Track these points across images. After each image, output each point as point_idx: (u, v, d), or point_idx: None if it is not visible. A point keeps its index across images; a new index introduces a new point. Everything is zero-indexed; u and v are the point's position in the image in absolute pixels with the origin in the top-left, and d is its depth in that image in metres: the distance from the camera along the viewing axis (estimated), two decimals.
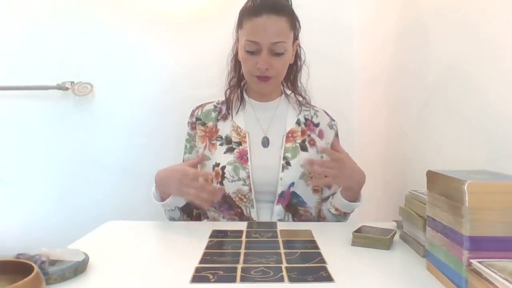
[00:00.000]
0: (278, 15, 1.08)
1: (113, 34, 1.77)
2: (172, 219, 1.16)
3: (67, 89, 1.75)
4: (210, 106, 1.24)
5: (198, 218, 1.24)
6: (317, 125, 1.22)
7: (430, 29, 1.06)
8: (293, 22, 1.13)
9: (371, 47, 1.58)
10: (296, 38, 1.17)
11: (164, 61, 1.78)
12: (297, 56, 1.21)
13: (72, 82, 1.76)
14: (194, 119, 1.23)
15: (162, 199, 1.08)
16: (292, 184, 1.11)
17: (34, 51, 1.76)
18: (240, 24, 1.14)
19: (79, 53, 1.77)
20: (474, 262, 0.56)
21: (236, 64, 1.22)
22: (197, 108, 1.25)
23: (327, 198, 1.19)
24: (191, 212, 1.19)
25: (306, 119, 1.22)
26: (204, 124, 1.21)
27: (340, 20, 1.77)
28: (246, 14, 1.10)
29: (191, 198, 1.00)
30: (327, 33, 1.76)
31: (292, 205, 1.13)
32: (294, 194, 1.12)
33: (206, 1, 1.76)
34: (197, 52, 1.75)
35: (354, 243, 0.86)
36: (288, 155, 1.14)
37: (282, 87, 1.25)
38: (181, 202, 1.10)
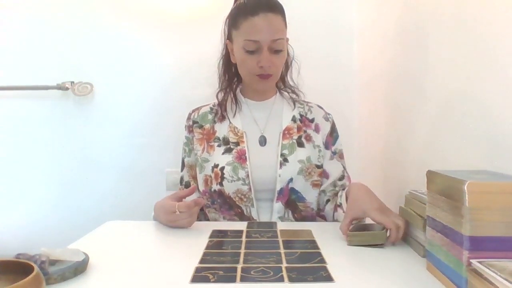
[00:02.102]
0: (274, 13, 1.10)
1: (113, 34, 1.77)
2: None
3: (67, 89, 1.75)
4: (207, 109, 1.25)
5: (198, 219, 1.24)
6: (312, 120, 1.24)
7: (430, 29, 1.06)
8: (285, 19, 1.15)
9: (371, 47, 1.58)
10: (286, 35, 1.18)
11: (164, 61, 1.78)
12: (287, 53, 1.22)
13: (72, 82, 1.76)
14: (191, 122, 1.23)
15: None
16: (291, 180, 1.12)
17: (34, 51, 1.76)
18: (235, 25, 1.14)
19: (79, 53, 1.77)
20: (474, 262, 0.56)
21: (227, 66, 1.23)
22: (193, 111, 1.26)
23: (324, 190, 1.18)
24: None
25: (301, 116, 1.23)
26: (201, 127, 1.22)
27: (340, 20, 1.77)
28: (242, 14, 1.11)
29: (184, 227, 1.00)
30: (327, 33, 1.76)
31: (292, 201, 1.14)
32: (292, 190, 1.13)
33: (206, 1, 1.76)
34: (197, 52, 1.75)
35: (350, 242, 0.86)
36: (285, 151, 1.15)
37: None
38: None
